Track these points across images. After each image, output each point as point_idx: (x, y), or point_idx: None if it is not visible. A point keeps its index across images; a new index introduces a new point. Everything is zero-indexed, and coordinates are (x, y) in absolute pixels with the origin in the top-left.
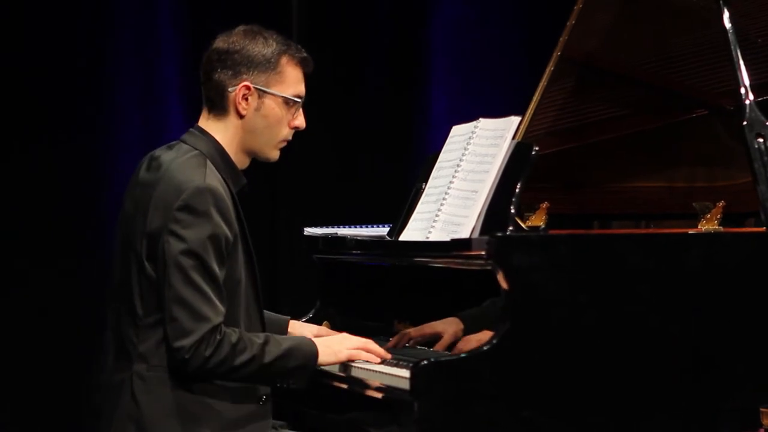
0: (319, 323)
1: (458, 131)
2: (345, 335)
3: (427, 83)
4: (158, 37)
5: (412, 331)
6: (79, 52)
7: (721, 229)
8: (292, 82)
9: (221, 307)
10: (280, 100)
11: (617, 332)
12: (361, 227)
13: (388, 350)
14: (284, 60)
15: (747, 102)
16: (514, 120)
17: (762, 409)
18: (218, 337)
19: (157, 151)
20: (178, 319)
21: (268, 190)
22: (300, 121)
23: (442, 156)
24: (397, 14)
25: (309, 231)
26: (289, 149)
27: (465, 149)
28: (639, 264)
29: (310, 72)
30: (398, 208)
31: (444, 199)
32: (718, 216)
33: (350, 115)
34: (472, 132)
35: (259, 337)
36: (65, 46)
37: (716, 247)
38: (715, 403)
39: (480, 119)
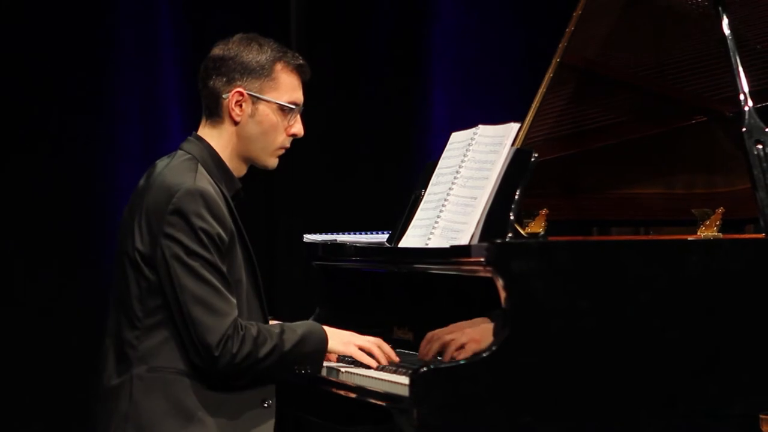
0: None
1: (457, 138)
2: (354, 334)
3: (427, 90)
4: (158, 45)
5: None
6: (79, 61)
7: (721, 235)
8: (287, 88)
9: (233, 300)
10: (275, 106)
11: (616, 338)
12: (361, 234)
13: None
14: (279, 66)
15: (746, 108)
16: (514, 126)
17: (761, 416)
18: (241, 332)
19: (157, 161)
20: (199, 319)
21: (266, 195)
22: (297, 129)
23: (441, 162)
24: (398, 21)
25: (308, 237)
26: (287, 155)
27: (464, 156)
28: (638, 270)
29: (307, 79)
30: (398, 214)
31: (443, 205)
32: (718, 222)
33: (350, 121)
34: (472, 138)
35: (274, 327)
36: (65, 54)
37: (716, 253)
38: (716, 409)
39: (479, 126)
